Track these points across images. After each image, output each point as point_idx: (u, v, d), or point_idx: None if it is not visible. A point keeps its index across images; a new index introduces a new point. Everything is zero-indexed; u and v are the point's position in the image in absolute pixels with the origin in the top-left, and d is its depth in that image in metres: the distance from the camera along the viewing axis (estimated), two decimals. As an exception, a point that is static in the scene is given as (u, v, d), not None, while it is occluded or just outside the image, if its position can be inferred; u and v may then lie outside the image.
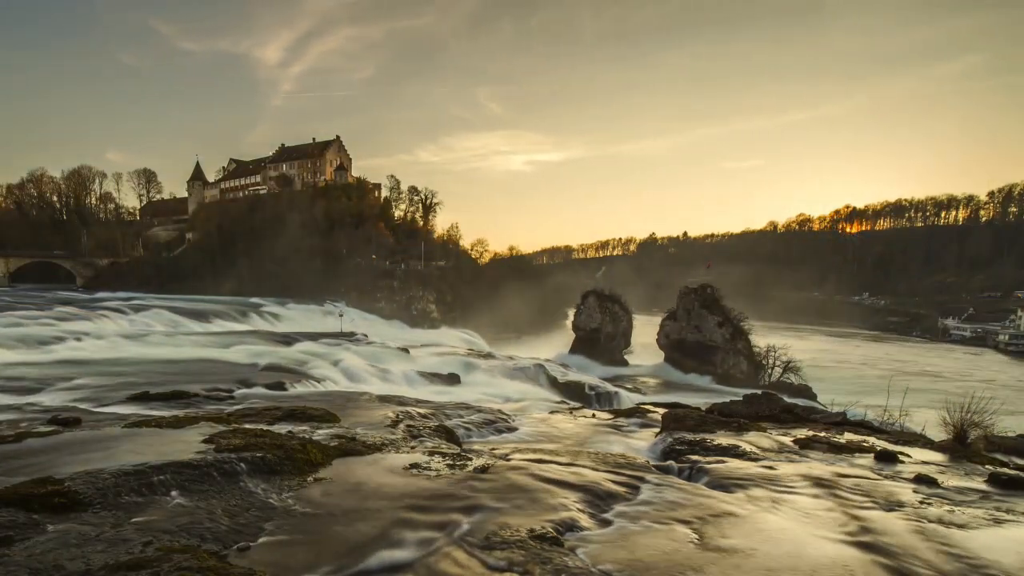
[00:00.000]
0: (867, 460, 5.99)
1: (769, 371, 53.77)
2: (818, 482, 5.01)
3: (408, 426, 7.14)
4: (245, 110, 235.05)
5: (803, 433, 7.37)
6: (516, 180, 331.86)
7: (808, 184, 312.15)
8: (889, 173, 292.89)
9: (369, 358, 31.08)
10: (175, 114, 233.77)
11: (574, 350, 63.01)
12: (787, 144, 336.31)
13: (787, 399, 11.44)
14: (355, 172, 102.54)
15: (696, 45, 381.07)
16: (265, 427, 5.91)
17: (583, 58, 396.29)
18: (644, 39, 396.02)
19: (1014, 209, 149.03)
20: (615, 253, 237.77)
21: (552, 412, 10.39)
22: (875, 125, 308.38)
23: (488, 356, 41.88)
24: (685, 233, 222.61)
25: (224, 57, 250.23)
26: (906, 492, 4.77)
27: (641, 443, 7.21)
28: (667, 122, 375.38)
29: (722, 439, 6.66)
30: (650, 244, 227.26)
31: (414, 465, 4.84)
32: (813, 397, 41.48)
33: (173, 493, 3.71)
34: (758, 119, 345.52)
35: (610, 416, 9.58)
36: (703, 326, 56.31)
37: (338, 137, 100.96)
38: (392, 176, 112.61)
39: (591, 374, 45.83)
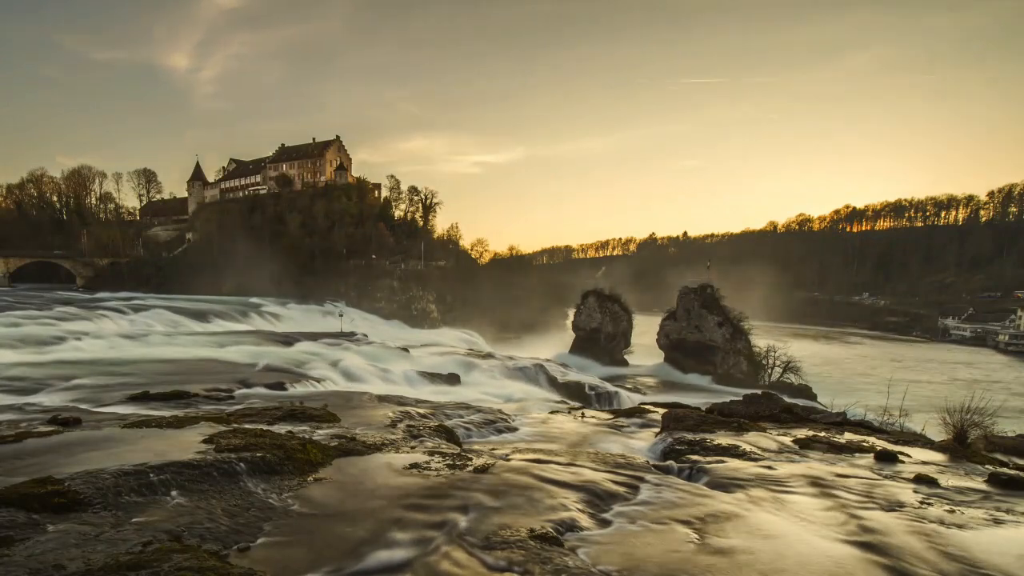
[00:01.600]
0: (867, 460, 5.99)
1: (769, 371, 53.69)
2: (818, 482, 5.01)
3: (408, 426, 7.14)
4: (165, 116, 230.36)
5: (803, 433, 7.37)
6: (467, 182, 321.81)
7: (808, 184, 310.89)
8: (889, 172, 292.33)
9: (369, 358, 31.07)
10: (104, 120, 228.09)
11: (574, 350, 62.93)
12: (757, 142, 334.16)
13: (787, 399, 11.46)
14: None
15: (585, 45, 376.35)
16: (265, 427, 5.91)
17: (488, 60, 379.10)
18: (534, 40, 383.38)
19: (1014, 209, 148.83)
20: (615, 253, 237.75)
21: (552, 412, 10.39)
22: (874, 124, 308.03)
23: (488, 356, 41.81)
24: (685, 233, 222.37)
25: (134, 65, 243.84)
26: (906, 492, 4.76)
27: (641, 443, 7.20)
28: (604, 122, 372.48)
29: (722, 439, 6.66)
30: (650, 244, 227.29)
31: (414, 465, 4.84)
32: (813, 397, 41.37)
33: (173, 493, 3.71)
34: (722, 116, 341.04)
35: (610, 416, 9.58)
36: (703, 326, 56.26)
37: (338, 137, 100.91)
38: (392, 176, 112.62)
39: (591, 374, 45.72)
